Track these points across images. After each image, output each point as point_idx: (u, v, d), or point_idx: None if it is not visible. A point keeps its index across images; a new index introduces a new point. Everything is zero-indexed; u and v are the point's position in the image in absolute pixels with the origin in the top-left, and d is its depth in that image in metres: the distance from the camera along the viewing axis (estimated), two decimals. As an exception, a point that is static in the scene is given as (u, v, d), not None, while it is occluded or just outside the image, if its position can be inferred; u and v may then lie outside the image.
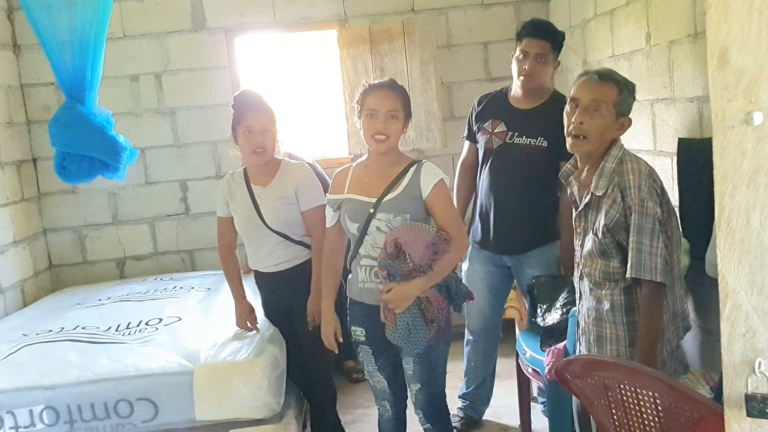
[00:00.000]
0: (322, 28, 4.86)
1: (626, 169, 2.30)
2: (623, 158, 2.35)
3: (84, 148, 3.29)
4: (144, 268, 4.89)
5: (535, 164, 3.35)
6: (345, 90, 4.79)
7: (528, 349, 3.23)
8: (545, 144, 3.33)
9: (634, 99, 2.44)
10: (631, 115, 2.47)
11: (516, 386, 3.80)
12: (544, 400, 3.57)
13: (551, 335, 3.14)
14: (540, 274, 3.34)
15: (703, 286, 2.85)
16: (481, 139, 3.50)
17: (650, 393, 1.80)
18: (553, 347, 2.97)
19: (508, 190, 3.40)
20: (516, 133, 3.39)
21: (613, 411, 1.92)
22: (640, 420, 1.85)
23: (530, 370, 3.22)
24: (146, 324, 3.29)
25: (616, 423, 1.93)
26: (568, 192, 2.58)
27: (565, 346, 2.91)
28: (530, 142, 3.36)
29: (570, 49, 4.55)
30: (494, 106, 3.53)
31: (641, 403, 1.83)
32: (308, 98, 5.13)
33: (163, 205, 4.87)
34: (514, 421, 3.67)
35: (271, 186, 3.14)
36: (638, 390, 1.83)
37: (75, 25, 3.08)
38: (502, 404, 3.89)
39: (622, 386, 1.87)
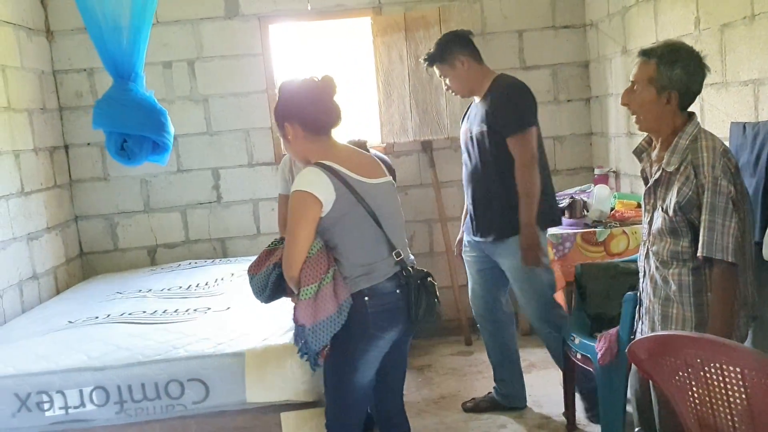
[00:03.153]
0: (356, 15, 4.83)
1: (700, 147, 2.27)
2: (698, 135, 2.30)
3: (145, 129, 3.21)
4: (175, 256, 4.86)
5: (486, 151, 3.43)
6: (378, 78, 4.76)
7: (577, 335, 3.19)
8: (485, 128, 3.41)
9: (685, 70, 2.33)
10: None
11: (554, 375, 3.77)
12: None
13: (601, 321, 3.11)
14: (509, 263, 3.43)
15: (759, 273, 2.80)
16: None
17: (736, 369, 1.76)
18: (604, 333, 2.94)
19: (473, 182, 3.55)
20: (472, 126, 3.52)
21: (694, 390, 1.88)
22: (724, 399, 1.80)
23: (579, 356, 3.17)
24: (195, 311, 3.26)
25: (697, 402, 1.89)
26: (640, 168, 2.54)
27: (617, 332, 2.87)
28: (478, 131, 3.46)
29: (608, 37, 4.51)
30: (468, 109, 3.68)
31: (726, 380, 1.79)
32: (342, 86, 5.07)
33: (195, 193, 4.85)
34: (556, 410, 3.62)
35: None
36: (723, 366, 1.79)
37: (127, 4, 3.04)
38: (543, 393, 3.85)
39: (704, 363, 1.83)
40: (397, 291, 2.47)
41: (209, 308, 3.34)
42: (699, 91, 2.38)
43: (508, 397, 3.73)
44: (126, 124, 3.20)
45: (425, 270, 2.56)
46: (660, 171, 2.34)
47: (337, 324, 2.39)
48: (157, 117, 3.26)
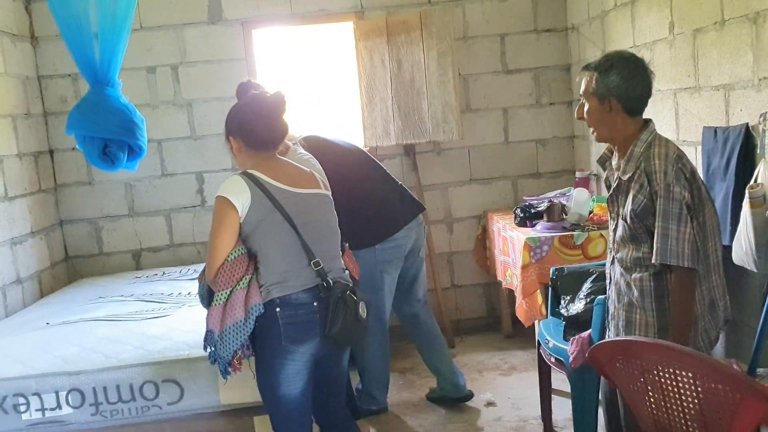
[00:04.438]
0: (338, 20, 4.86)
1: (653, 154, 2.29)
2: (652, 142, 2.33)
3: (123, 133, 3.23)
4: (160, 260, 4.89)
5: None
6: (361, 82, 4.78)
7: (551, 338, 3.22)
8: None
9: (620, 75, 2.34)
10: (653, 105, 2.45)
11: (534, 377, 3.77)
12: None
13: (575, 325, 3.13)
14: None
15: (728, 275, 2.83)
16: None
17: (689, 374, 1.79)
18: (577, 336, 2.96)
19: None
20: None
21: (650, 394, 1.91)
22: (678, 403, 1.83)
23: (553, 359, 3.20)
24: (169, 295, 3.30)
25: (653, 406, 1.92)
26: (604, 176, 2.57)
27: (589, 335, 2.89)
28: None
29: (588, 41, 4.54)
30: None
31: (680, 385, 1.82)
32: (324, 90, 5.12)
33: (179, 197, 4.88)
34: (533, 412, 3.65)
35: None
36: (676, 372, 1.82)
37: (102, 10, 3.07)
38: (521, 396, 3.88)
39: (659, 368, 1.86)
40: (314, 304, 2.42)
41: (189, 292, 3.39)
42: (644, 95, 2.37)
43: (441, 387, 3.90)
44: (105, 128, 3.21)
45: (351, 284, 2.55)
46: (618, 179, 2.38)
47: (243, 331, 2.38)
48: (134, 122, 3.28)
